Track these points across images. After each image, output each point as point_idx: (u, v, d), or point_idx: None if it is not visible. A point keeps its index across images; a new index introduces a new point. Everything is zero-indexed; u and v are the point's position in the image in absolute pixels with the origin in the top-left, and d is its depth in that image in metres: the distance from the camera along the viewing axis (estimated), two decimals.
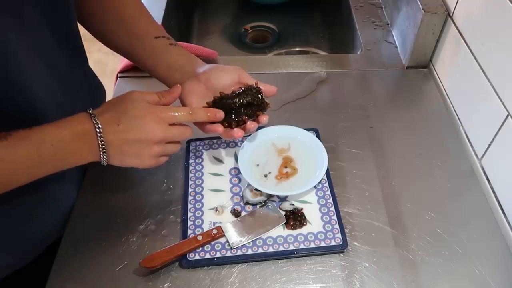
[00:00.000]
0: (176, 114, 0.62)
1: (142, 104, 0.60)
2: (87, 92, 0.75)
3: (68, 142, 0.56)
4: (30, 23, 0.55)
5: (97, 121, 0.57)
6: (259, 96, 0.69)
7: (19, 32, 0.53)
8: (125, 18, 0.71)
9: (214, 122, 0.67)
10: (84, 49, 0.74)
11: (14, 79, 0.54)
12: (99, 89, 0.85)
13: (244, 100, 0.68)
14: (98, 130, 0.57)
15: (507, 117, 0.70)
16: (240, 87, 0.70)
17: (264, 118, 0.70)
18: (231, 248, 0.67)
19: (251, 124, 0.69)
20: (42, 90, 0.59)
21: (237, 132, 0.68)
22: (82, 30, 0.71)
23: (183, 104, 0.69)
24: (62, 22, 0.63)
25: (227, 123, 0.68)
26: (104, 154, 0.58)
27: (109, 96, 0.89)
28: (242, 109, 0.69)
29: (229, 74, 0.70)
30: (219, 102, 0.68)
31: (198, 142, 0.81)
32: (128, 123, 0.58)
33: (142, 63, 0.73)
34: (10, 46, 0.52)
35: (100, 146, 0.58)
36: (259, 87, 0.69)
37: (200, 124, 0.69)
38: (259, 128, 0.74)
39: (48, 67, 0.60)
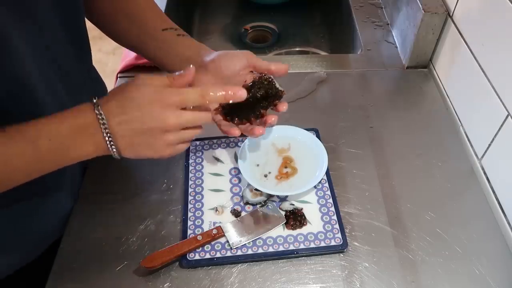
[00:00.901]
0: (185, 96, 0.55)
1: (148, 89, 0.54)
2: (90, 91, 0.75)
3: (67, 135, 0.52)
4: (36, 20, 0.55)
5: (101, 111, 0.52)
6: (273, 86, 0.66)
7: (20, 28, 0.53)
8: (136, 15, 0.70)
9: (230, 120, 0.66)
10: (90, 47, 0.73)
11: (14, 76, 0.53)
12: (101, 86, 0.85)
13: (258, 94, 0.65)
14: (101, 122, 0.52)
15: (507, 117, 0.70)
16: (249, 82, 0.66)
17: (284, 106, 0.68)
18: (231, 248, 0.67)
19: (271, 117, 0.67)
20: (44, 89, 0.59)
21: (258, 130, 0.66)
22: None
23: None
24: (70, 19, 0.62)
25: (245, 119, 0.66)
26: (113, 146, 0.54)
27: None
28: (258, 103, 0.66)
29: (238, 60, 0.68)
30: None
31: (198, 142, 0.81)
32: (134, 112, 0.53)
33: (153, 58, 0.72)
34: (11, 41, 0.51)
35: (107, 138, 0.53)
36: (270, 76, 0.67)
37: (217, 124, 0.68)
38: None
39: (52, 65, 0.60)
